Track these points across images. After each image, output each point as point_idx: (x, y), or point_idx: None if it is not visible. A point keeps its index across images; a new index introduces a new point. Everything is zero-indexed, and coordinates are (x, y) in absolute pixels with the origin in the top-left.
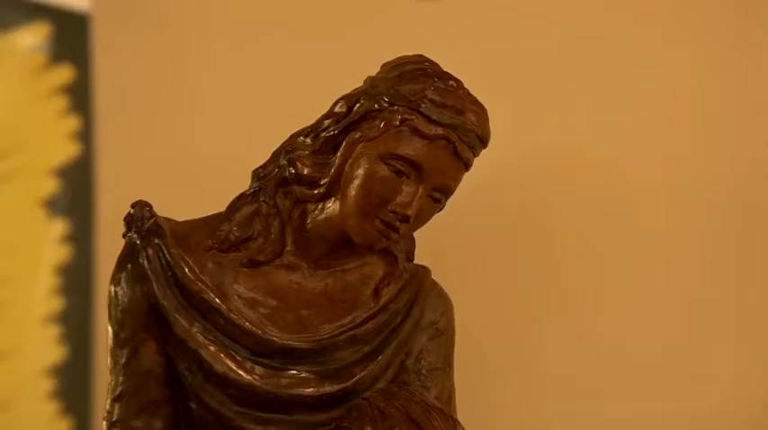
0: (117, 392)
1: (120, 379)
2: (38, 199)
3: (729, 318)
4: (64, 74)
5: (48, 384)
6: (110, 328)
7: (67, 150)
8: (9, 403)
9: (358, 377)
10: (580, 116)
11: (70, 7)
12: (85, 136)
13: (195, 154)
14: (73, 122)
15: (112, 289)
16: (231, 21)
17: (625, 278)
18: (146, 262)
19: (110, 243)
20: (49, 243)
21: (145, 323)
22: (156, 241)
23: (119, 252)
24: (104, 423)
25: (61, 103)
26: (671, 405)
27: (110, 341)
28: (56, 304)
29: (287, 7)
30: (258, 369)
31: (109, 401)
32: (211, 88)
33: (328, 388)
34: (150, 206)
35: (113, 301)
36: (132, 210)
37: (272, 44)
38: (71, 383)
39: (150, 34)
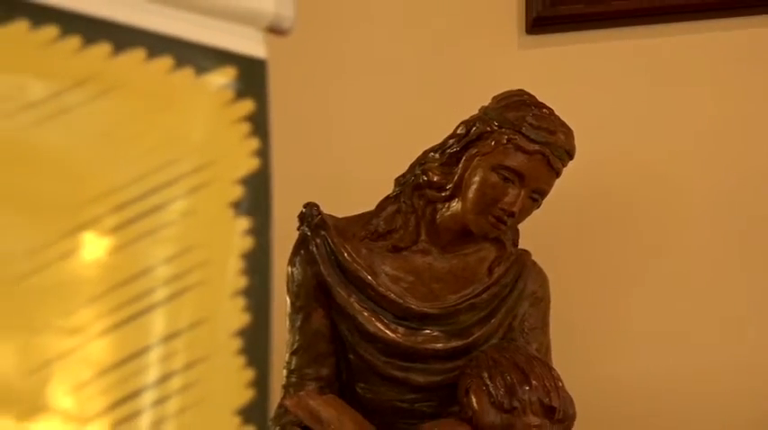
0: (294, 347)
1: (296, 337)
2: (228, 202)
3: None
4: (247, 106)
5: (236, 343)
6: (288, 299)
7: (250, 165)
8: (207, 357)
9: (476, 335)
10: (646, 134)
11: (252, 54)
12: (263, 154)
13: (346, 165)
14: (254, 143)
15: (289, 269)
16: (369, 63)
17: (685, 256)
18: (314, 248)
19: (282, 235)
20: (237, 235)
21: (314, 295)
22: (323, 233)
23: (289, 242)
24: (284, 371)
25: (245, 128)
26: (729, 355)
27: (288, 309)
28: (242, 282)
29: (414, 55)
30: (400, 329)
31: (288, 355)
32: (358, 115)
33: (454, 343)
34: (317, 206)
35: (290, 278)
36: (304, 209)
37: (403, 84)
38: (253, 342)
39: (309, 75)
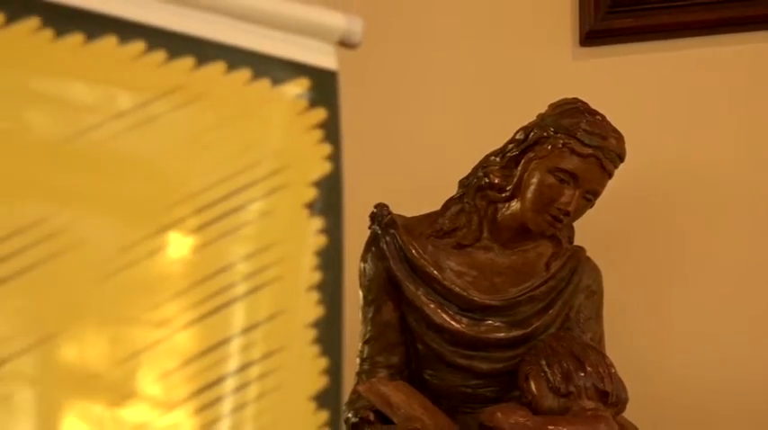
0: (366, 337)
1: (368, 328)
2: (302, 202)
3: None
4: (319, 114)
5: (311, 334)
6: (360, 293)
7: (323, 168)
8: (284, 347)
9: (535, 325)
10: (691, 140)
11: (324, 66)
12: (335, 158)
13: (413, 168)
14: (326, 149)
15: (362, 265)
16: (433, 74)
17: (726, 254)
18: (385, 246)
19: (353, 233)
20: (311, 234)
21: (385, 288)
22: (392, 231)
23: (359, 240)
24: (357, 359)
25: (318, 135)
26: (761, 346)
27: (361, 301)
28: (316, 277)
29: (475, 67)
30: (464, 320)
31: (360, 344)
32: (423, 122)
33: (514, 333)
34: (387, 206)
35: (363, 273)
36: (375, 210)
37: (465, 93)
38: (327, 333)
39: (377, 85)
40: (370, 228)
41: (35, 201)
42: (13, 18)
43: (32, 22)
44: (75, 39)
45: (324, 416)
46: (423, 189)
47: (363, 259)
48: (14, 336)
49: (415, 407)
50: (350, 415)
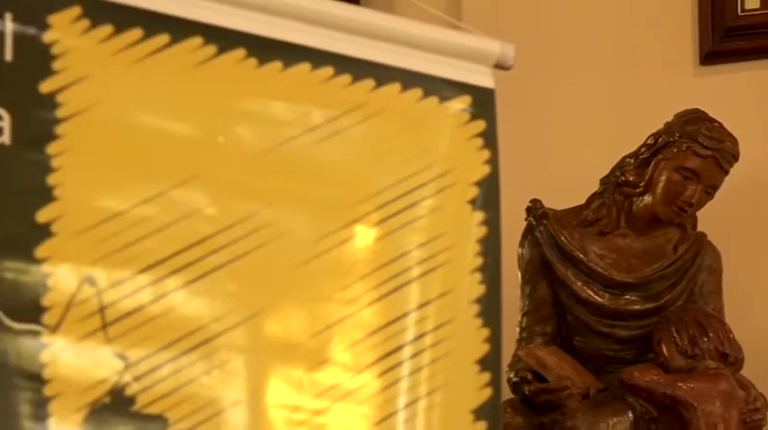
0: (524, 311)
1: (526, 303)
2: (466, 199)
3: None
4: (479, 126)
5: (474, 309)
6: (519, 274)
7: (483, 171)
8: (452, 320)
9: (666, 298)
10: None
11: (483, 85)
12: (493, 162)
13: (561, 169)
14: (485, 154)
15: (520, 250)
16: (575, 91)
17: None
18: (539, 234)
19: (508, 225)
20: (473, 225)
21: (539, 270)
22: (545, 222)
23: (514, 230)
24: (517, 328)
25: (478, 143)
26: None
27: (519, 281)
28: (478, 261)
29: (612, 86)
30: (606, 295)
31: (520, 316)
32: (568, 130)
33: (648, 305)
34: (540, 201)
35: (521, 258)
36: (530, 205)
37: (604, 106)
38: (488, 308)
39: (527, 101)
40: (526, 220)
41: (244, 200)
42: (223, 50)
43: (239, 52)
44: (275, 66)
45: (486, 377)
46: (570, 186)
47: (521, 245)
48: (228, 314)
49: (566, 368)
50: (511, 375)
